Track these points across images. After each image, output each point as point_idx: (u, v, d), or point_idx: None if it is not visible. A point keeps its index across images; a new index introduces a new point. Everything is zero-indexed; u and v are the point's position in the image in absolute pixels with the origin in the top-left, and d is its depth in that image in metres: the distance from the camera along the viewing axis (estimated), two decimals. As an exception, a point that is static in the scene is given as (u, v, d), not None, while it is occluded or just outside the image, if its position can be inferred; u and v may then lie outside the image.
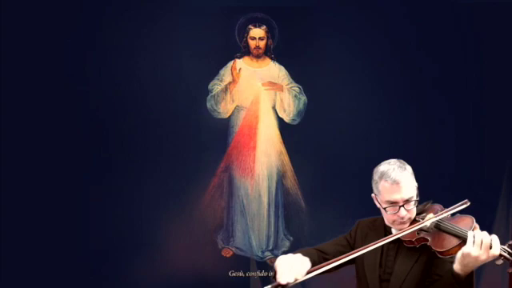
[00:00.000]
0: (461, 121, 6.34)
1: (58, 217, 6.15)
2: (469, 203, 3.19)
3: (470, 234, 3.02)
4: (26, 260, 6.11)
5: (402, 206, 3.21)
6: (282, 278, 3.05)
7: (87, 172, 6.25)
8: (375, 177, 3.28)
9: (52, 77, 6.22)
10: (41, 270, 6.11)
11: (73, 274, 6.14)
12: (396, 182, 3.20)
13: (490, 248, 2.98)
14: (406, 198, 3.21)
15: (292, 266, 3.10)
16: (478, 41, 6.32)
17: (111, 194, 6.25)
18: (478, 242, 2.98)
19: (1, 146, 6.23)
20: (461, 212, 3.22)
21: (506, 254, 3.01)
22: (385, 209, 3.24)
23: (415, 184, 3.28)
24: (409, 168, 3.28)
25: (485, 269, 5.88)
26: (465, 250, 2.99)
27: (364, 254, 3.26)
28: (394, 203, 3.22)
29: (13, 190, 6.17)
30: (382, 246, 3.27)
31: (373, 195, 3.33)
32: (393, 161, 3.29)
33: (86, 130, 6.29)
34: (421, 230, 3.21)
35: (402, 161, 3.30)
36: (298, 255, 3.18)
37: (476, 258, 2.98)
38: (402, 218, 3.24)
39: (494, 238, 3.00)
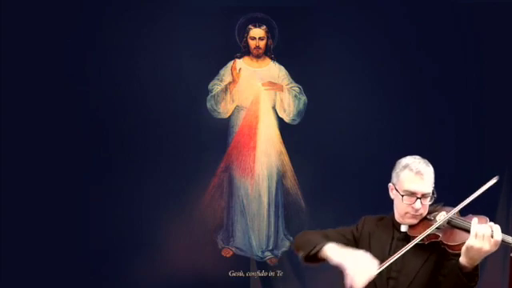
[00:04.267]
0: (461, 121, 6.35)
1: (58, 217, 6.15)
2: (498, 178, 3.22)
3: (472, 228, 3.07)
4: (26, 260, 6.11)
5: (419, 198, 3.24)
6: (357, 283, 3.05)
7: (87, 172, 6.25)
8: (399, 166, 3.33)
9: (52, 77, 6.21)
10: (41, 270, 6.10)
11: (73, 274, 6.14)
12: (420, 173, 3.26)
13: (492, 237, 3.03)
14: (425, 192, 3.26)
15: (363, 267, 3.09)
16: (478, 41, 6.32)
17: (111, 193, 6.24)
18: (479, 234, 3.03)
19: (1, 146, 6.23)
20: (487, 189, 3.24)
21: None
22: (402, 196, 3.25)
23: (433, 184, 3.32)
24: (432, 168, 3.33)
25: (485, 268, 5.95)
26: (468, 242, 3.05)
27: (372, 250, 3.27)
28: (412, 194, 3.25)
29: (13, 189, 6.17)
30: (390, 242, 3.33)
31: (390, 185, 3.36)
32: (418, 157, 3.36)
33: (86, 130, 6.29)
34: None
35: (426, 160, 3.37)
36: (362, 253, 3.16)
37: (479, 250, 3.03)
38: (416, 211, 3.27)
39: (495, 227, 3.06)
